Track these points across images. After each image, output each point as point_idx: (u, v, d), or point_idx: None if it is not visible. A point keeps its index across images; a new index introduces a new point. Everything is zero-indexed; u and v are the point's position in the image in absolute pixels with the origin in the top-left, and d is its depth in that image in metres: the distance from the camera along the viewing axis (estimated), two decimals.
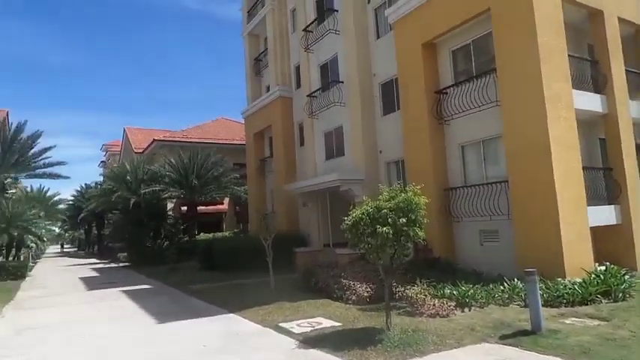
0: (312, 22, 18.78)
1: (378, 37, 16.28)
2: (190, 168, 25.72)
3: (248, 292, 12.17)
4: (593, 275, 9.09)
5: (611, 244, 11.41)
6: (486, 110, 11.86)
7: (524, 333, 6.46)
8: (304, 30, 19.02)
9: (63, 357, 7.02)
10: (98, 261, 35.53)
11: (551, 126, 9.99)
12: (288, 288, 12.09)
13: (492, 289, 8.91)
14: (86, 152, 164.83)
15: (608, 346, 5.71)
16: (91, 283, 18.00)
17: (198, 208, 27.59)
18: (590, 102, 11.56)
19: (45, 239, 29.62)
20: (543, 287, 8.40)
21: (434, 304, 8.02)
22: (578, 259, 9.79)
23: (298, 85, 21.04)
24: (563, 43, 10.65)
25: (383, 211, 6.66)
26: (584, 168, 10.70)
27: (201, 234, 27.49)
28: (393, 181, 14.34)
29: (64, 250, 75.91)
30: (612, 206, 11.58)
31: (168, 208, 30.00)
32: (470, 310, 8.15)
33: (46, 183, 45.97)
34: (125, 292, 14.54)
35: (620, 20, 12.51)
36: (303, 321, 8.26)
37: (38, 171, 29.12)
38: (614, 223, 11.51)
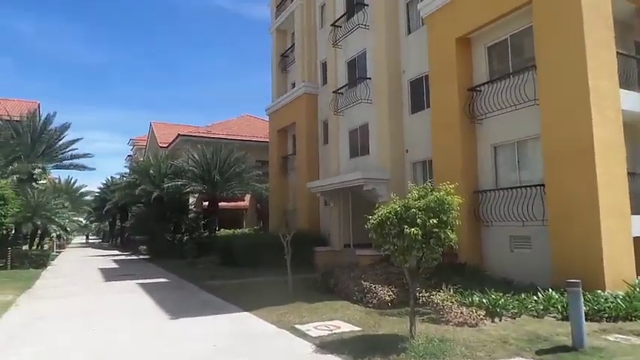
0: (341, 17, 18.32)
1: (409, 32, 15.70)
2: (213, 163, 25.68)
3: (265, 291, 11.79)
4: (637, 289, 8.34)
5: None
6: (523, 110, 11.18)
7: (564, 349, 5.83)
8: (333, 25, 18.58)
9: (69, 350, 6.74)
10: (120, 253, 35.89)
11: (595, 127, 9.24)
12: (306, 288, 11.66)
13: (525, 298, 8.27)
14: (115, 147, 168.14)
15: None
16: (109, 275, 17.96)
17: (219, 203, 27.50)
18: (638, 103, 10.74)
19: (68, 229, 29.98)
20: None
21: (461, 312, 7.45)
22: (620, 271, 9.03)
23: (324, 82, 20.62)
24: (611, 37, 9.88)
25: (412, 210, 6.14)
26: (629, 173, 9.91)
27: (222, 230, 27.39)
28: (419, 181, 13.72)
29: (89, 241, 77.42)
30: None
31: (190, 203, 30.05)
32: (500, 321, 7.54)
33: (72, 174, 46.75)
34: (141, 284, 14.36)
35: None
36: (321, 324, 7.80)
37: (65, 162, 29.67)
38: None
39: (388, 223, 6.32)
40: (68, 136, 29.03)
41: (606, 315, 7.48)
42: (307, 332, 7.22)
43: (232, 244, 19.21)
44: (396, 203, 6.50)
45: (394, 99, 15.74)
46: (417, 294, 8.39)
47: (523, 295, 8.40)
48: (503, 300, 7.97)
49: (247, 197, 32.31)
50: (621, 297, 7.93)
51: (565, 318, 7.28)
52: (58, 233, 27.95)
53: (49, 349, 6.77)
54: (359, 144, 17.63)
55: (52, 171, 32.41)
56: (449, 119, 12.78)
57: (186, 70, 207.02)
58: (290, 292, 10.62)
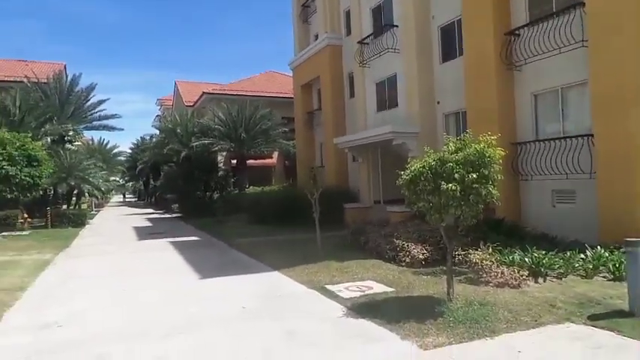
0: None
1: None
2: (239, 121, 25.41)
3: (294, 249, 11.65)
4: None
5: None
6: (568, 53, 10.20)
7: (620, 314, 5.33)
8: None
9: (99, 310, 6.75)
10: (153, 211, 36.75)
11: None
12: (336, 246, 11.44)
13: (571, 257, 7.73)
14: (145, 107, 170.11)
15: None
16: (142, 233, 18.30)
17: (247, 161, 27.44)
18: None
19: (102, 189, 30.67)
20: None
21: (502, 272, 7.01)
22: None
23: (348, 32, 19.59)
24: None
25: (448, 164, 5.63)
26: None
27: (251, 187, 27.45)
28: (452, 134, 13.01)
29: (126, 200, 79.88)
30: None
31: (219, 161, 30.13)
32: (545, 281, 7.07)
33: (104, 135, 47.63)
34: (173, 243, 14.52)
35: None
36: (352, 284, 7.56)
37: (95, 123, 29.95)
38: None
39: (422, 178, 5.84)
40: (95, 97, 29.19)
41: None
42: (338, 293, 6.98)
43: (260, 202, 19.15)
44: (430, 157, 5.99)
45: (423, 47, 14.77)
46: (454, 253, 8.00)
47: (568, 254, 7.85)
48: (547, 259, 7.47)
49: (275, 154, 32.13)
50: None
51: (617, 279, 6.78)
52: (90, 192, 28.61)
53: (78, 309, 6.79)
54: (387, 97, 16.85)
55: (83, 132, 32.95)
56: (484, 67, 11.89)
57: (211, 29, 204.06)
58: (320, 251, 10.41)
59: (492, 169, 5.67)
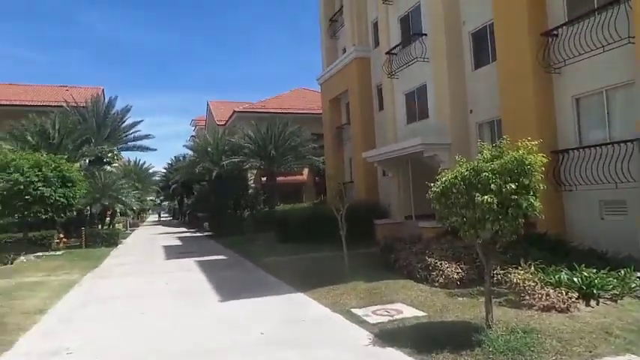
0: None
1: None
2: (268, 138, 25.37)
3: (321, 268, 11.15)
4: None
5: None
6: (613, 51, 9.40)
7: None
8: None
9: (112, 337, 6.43)
10: (186, 230, 37.06)
11: None
12: (364, 265, 10.84)
13: (626, 275, 6.88)
14: (181, 129, 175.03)
15: None
16: (170, 253, 18.21)
17: (278, 178, 27.27)
18: None
19: (135, 208, 31.18)
20: None
21: (547, 294, 6.25)
22: None
23: (376, 45, 19.21)
24: None
25: (484, 174, 5.03)
26: None
27: (281, 205, 27.22)
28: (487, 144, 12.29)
29: (161, 219, 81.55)
30: None
31: (249, 179, 30.14)
32: (598, 304, 6.27)
33: (139, 156, 48.74)
34: (199, 262, 14.28)
35: None
36: (380, 307, 6.97)
37: (129, 144, 30.66)
38: None
39: (454, 190, 5.27)
40: (130, 119, 29.93)
41: None
42: (365, 318, 6.41)
43: (289, 219, 18.78)
44: (462, 166, 5.41)
45: (454, 54, 14.17)
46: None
47: (622, 272, 7.00)
48: (599, 278, 6.65)
49: (306, 171, 31.90)
50: None
51: None
52: (125, 212, 29.10)
53: (92, 335, 6.50)
54: (417, 107, 16.27)
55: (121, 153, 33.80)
56: (520, 70, 11.19)
57: (245, 48, 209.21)
58: (346, 270, 9.86)
59: (534, 178, 5.03)
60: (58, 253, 18.93)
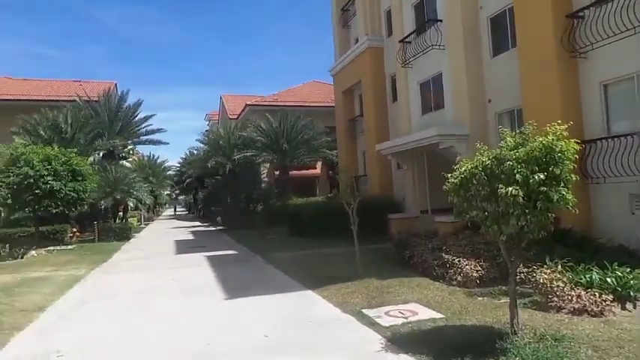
0: None
1: None
2: (280, 132, 24.96)
3: (332, 264, 10.70)
4: None
5: None
6: None
7: None
8: None
9: (107, 338, 6.07)
10: (199, 224, 36.90)
11: None
12: (377, 261, 10.38)
13: None
14: (196, 124, 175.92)
15: None
16: (182, 247, 17.95)
17: (291, 172, 26.88)
18: None
19: (147, 202, 31.12)
20: None
21: (578, 296, 5.70)
22: None
23: (389, 33, 18.58)
24: None
25: (507, 163, 4.50)
26: None
27: (294, 198, 26.83)
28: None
29: (176, 213, 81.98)
30: None
31: (262, 173, 29.81)
32: (635, 308, 5.69)
33: (153, 150, 49.04)
34: (209, 257, 13.96)
35: None
36: (393, 308, 6.49)
37: (142, 138, 30.56)
38: None
39: (474, 181, 4.75)
40: (142, 113, 29.79)
41: None
42: (377, 320, 5.93)
43: (301, 213, 18.37)
44: (483, 155, 4.88)
45: (471, 41, 13.49)
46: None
47: None
48: (635, 279, 6.05)
49: (319, 165, 31.44)
50: None
51: None
52: (137, 206, 29.06)
53: (87, 336, 6.16)
54: (432, 97, 15.65)
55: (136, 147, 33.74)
56: (543, 56, 10.51)
57: (258, 40, 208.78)
58: (358, 267, 9.39)
59: (565, 168, 4.48)
60: (69, 247, 18.82)
